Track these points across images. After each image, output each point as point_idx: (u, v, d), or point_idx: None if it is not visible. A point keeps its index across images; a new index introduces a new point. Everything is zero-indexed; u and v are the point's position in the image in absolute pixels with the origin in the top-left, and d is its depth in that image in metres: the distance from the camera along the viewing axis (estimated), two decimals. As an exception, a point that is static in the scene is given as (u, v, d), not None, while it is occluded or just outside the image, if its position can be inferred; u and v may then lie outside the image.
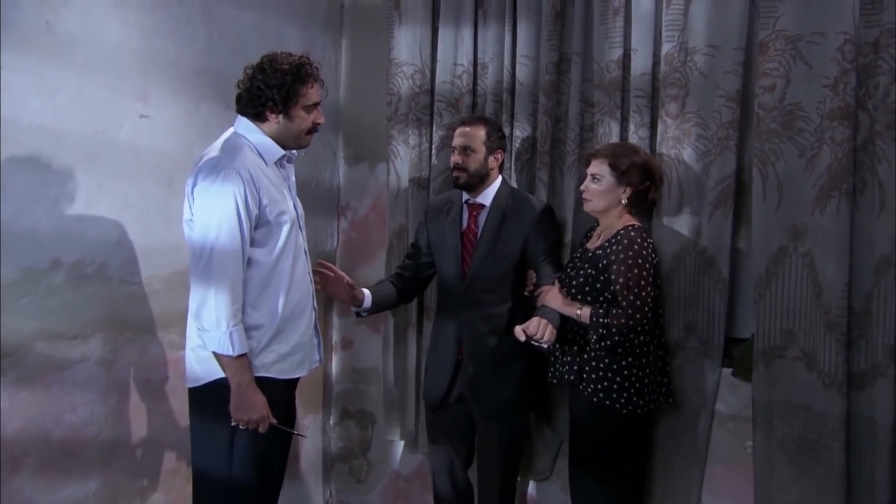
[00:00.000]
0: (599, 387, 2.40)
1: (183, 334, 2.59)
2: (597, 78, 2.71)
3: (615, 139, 2.66)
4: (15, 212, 2.13)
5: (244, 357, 2.17)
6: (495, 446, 2.70)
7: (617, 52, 2.66)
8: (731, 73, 2.47)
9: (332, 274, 2.68)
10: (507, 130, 2.88)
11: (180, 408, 2.63)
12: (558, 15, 2.79)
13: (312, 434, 3.39)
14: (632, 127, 2.65)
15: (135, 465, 2.54)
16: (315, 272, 2.55)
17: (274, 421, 2.22)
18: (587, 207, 2.52)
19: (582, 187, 2.52)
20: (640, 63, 2.61)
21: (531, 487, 3.04)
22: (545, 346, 2.35)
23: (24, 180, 2.15)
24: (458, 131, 2.72)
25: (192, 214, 2.18)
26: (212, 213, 2.13)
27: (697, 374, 2.59)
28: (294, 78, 2.22)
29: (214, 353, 2.16)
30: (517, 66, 2.87)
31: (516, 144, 2.89)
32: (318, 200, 3.24)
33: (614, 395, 2.39)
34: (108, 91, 2.37)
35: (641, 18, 2.60)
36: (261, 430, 2.20)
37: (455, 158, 2.69)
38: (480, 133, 2.68)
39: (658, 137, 2.62)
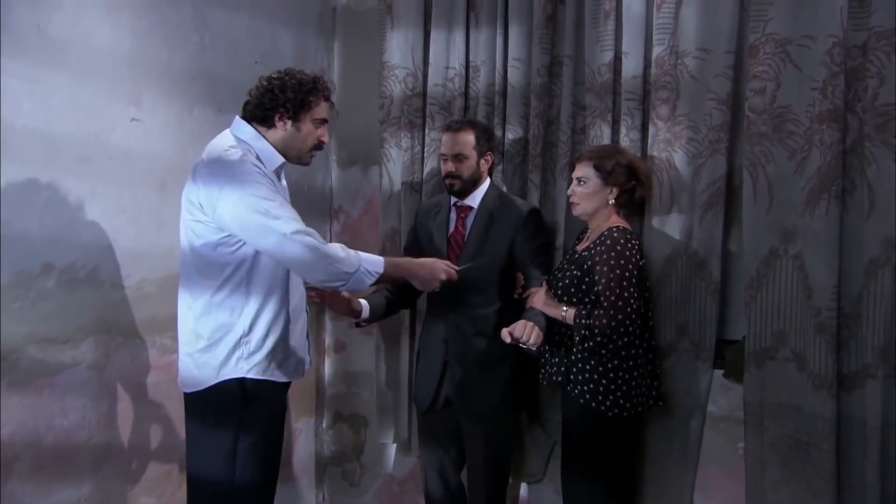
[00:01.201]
0: (586, 388, 2.41)
1: (175, 338, 2.59)
2: (588, 81, 2.72)
3: (606, 142, 2.67)
4: (7, 216, 2.12)
5: (385, 261, 2.28)
6: (482, 449, 2.69)
7: (608, 56, 2.67)
8: (721, 77, 2.48)
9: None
10: (498, 133, 2.89)
11: (172, 412, 2.63)
12: (549, 18, 2.80)
13: (305, 437, 3.39)
14: (623, 130, 2.65)
15: (126, 470, 2.54)
16: (312, 288, 2.55)
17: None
18: (576, 212, 2.54)
19: (569, 192, 2.53)
20: (631, 66, 2.62)
21: (523, 490, 3.04)
22: (532, 348, 2.36)
23: (16, 184, 2.15)
24: (446, 138, 2.71)
25: (209, 214, 2.13)
26: (256, 205, 2.09)
27: (689, 375, 2.59)
28: (310, 88, 2.26)
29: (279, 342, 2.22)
30: (509, 69, 2.88)
31: (508, 147, 2.89)
32: (310, 203, 3.24)
33: (600, 398, 2.39)
34: (101, 95, 2.37)
35: (632, 22, 2.62)
36: (453, 277, 2.44)
37: (448, 167, 2.69)
38: (469, 138, 2.68)
39: (649, 140, 2.63)
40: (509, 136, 2.89)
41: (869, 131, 2.25)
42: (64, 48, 2.25)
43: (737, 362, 2.55)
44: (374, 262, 2.25)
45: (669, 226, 2.59)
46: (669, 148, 2.57)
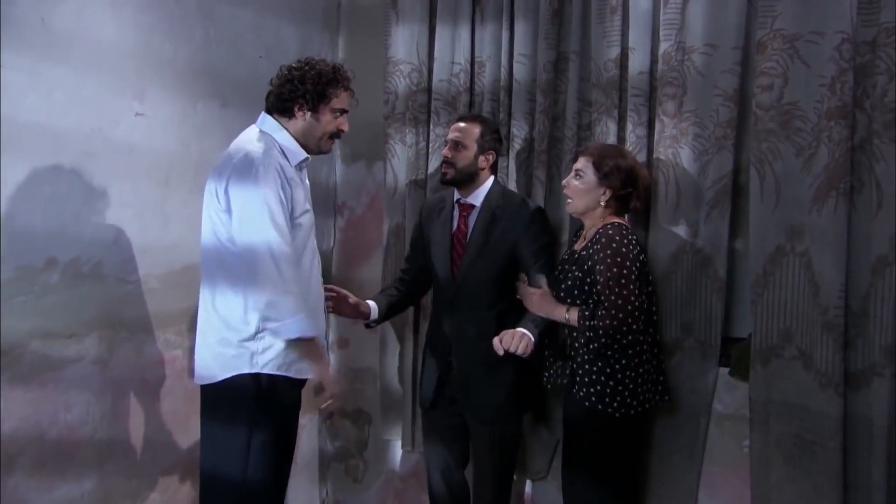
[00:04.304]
0: (592, 390, 2.39)
1: (180, 333, 2.60)
2: (594, 77, 2.71)
3: (612, 138, 2.66)
4: (10, 210, 2.12)
5: (317, 340, 2.26)
6: (488, 449, 2.69)
7: (614, 51, 2.65)
8: (728, 73, 2.47)
9: (336, 294, 2.67)
10: (504, 129, 2.88)
11: (176, 407, 2.63)
12: (556, 13, 2.78)
13: (309, 433, 3.38)
14: (629, 126, 2.64)
15: (130, 465, 2.53)
16: (329, 290, 2.58)
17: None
18: (569, 208, 2.52)
19: (564, 182, 2.51)
20: (637, 62, 2.61)
21: (528, 487, 3.03)
22: (526, 356, 2.37)
23: (19, 179, 2.14)
24: (453, 126, 2.73)
25: (231, 211, 2.17)
26: (263, 208, 2.13)
27: (694, 373, 2.58)
28: (329, 79, 2.27)
29: (291, 343, 2.20)
30: (514, 65, 2.86)
31: (514, 143, 2.88)
32: (314, 199, 3.18)
33: (607, 399, 2.37)
34: (105, 89, 2.36)
35: (639, 17, 2.60)
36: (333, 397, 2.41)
37: (445, 152, 2.70)
38: (475, 131, 2.68)
39: (655, 136, 2.61)
40: (515, 132, 2.87)
41: (878, 128, 2.24)
42: (67, 42, 2.24)
43: (743, 360, 2.54)
44: (306, 328, 2.22)
45: (675, 223, 2.57)
46: (676, 144, 2.56)
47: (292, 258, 2.18)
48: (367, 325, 2.78)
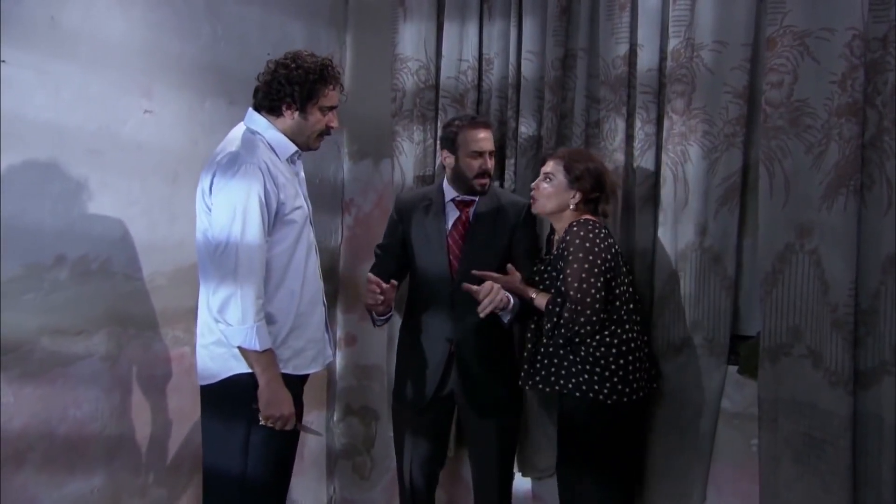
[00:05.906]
0: (581, 380, 2.40)
1: (187, 330, 2.60)
2: (603, 74, 2.70)
3: (621, 136, 2.65)
4: (18, 208, 2.12)
5: (270, 352, 2.17)
6: (493, 443, 2.70)
7: (623, 48, 2.64)
8: (738, 69, 2.46)
9: (387, 290, 2.56)
10: (512, 126, 2.88)
11: (184, 404, 2.63)
12: (564, 10, 2.77)
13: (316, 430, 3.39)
14: (637, 123, 2.63)
15: (138, 461, 2.54)
16: (374, 291, 2.52)
17: (297, 424, 2.25)
18: (535, 208, 2.53)
19: (533, 185, 2.53)
20: (646, 59, 2.60)
21: (532, 484, 3.03)
22: (505, 317, 2.43)
23: (27, 176, 2.15)
24: (484, 135, 2.66)
25: (212, 210, 2.17)
26: (236, 207, 2.11)
27: (703, 371, 2.58)
28: (317, 78, 2.24)
29: (240, 350, 2.15)
30: (522, 62, 2.86)
31: (521, 141, 2.87)
32: (322, 197, 3.23)
33: (596, 387, 2.38)
34: (112, 87, 2.36)
35: (648, 14, 2.59)
36: (287, 427, 2.20)
37: (487, 165, 2.65)
38: (492, 135, 2.70)
39: (664, 134, 2.60)
40: (522, 129, 2.87)
41: (888, 125, 2.23)
42: (75, 39, 2.25)
43: (751, 358, 2.53)
44: (266, 339, 2.14)
45: (684, 220, 2.56)
46: (685, 142, 2.55)
47: (258, 260, 2.13)
48: (375, 324, 2.75)
